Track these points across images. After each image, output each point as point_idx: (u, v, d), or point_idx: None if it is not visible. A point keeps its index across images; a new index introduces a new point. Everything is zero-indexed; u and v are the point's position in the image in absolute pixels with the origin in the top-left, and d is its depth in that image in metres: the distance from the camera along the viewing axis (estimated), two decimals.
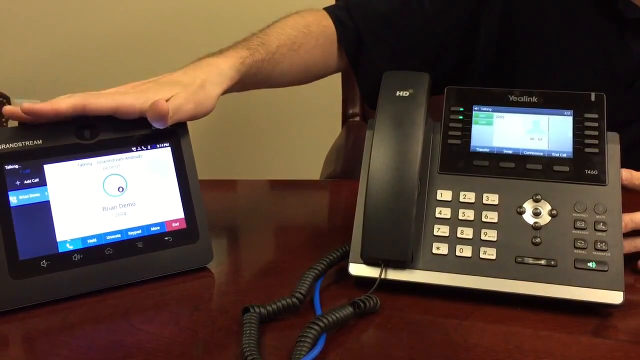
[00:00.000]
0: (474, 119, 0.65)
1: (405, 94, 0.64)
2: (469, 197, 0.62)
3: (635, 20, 0.82)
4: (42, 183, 0.62)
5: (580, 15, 0.86)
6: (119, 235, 0.64)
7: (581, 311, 0.58)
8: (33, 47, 2.25)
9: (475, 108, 0.65)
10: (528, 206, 0.61)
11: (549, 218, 0.60)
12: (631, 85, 0.82)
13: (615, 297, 0.57)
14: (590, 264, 0.58)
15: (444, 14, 0.91)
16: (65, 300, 0.61)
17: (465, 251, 0.60)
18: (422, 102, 0.63)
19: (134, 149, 0.66)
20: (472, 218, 0.62)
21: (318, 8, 0.94)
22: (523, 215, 0.61)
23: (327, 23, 0.91)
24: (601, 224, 0.59)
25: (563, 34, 0.87)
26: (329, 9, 0.94)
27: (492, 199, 0.62)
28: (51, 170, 0.62)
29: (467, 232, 0.61)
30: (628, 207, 0.63)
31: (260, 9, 2.08)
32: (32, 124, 0.62)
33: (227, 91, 0.72)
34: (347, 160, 1.27)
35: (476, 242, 0.61)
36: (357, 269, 0.62)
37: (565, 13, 0.86)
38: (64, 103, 0.60)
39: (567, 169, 0.62)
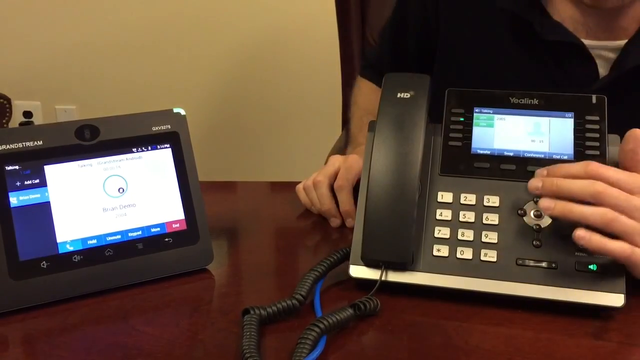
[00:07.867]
0: (474, 120, 0.65)
1: (407, 95, 0.64)
2: (469, 199, 0.62)
3: (561, 42, 0.77)
4: (43, 184, 0.62)
5: (513, 44, 0.82)
6: (119, 237, 0.64)
7: (582, 314, 0.58)
8: (34, 49, 2.25)
9: (476, 110, 0.65)
10: (529, 208, 0.61)
11: (550, 220, 0.60)
12: None
13: (616, 300, 0.57)
14: (591, 267, 0.58)
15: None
16: (65, 302, 0.61)
17: (466, 253, 0.60)
18: (423, 104, 0.63)
19: (134, 150, 0.66)
20: (472, 220, 0.61)
21: (360, 79, 1.10)
22: (524, 218, 0.61)
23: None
24: None
25: (505, 67, 0.82)
26: (364, 75, 1.09)
27: (493, 201, 0.62)
28: (51, 171, 0.62)
29: (467, 234, 0.61)
30: None
31: (260, 9, 2.09)
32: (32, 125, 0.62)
33: None
34: None
35: (477, 244, 0.60)
36: (358, 271, 0.62)
37: (495, 44, 0.83)
38: None
39: None
